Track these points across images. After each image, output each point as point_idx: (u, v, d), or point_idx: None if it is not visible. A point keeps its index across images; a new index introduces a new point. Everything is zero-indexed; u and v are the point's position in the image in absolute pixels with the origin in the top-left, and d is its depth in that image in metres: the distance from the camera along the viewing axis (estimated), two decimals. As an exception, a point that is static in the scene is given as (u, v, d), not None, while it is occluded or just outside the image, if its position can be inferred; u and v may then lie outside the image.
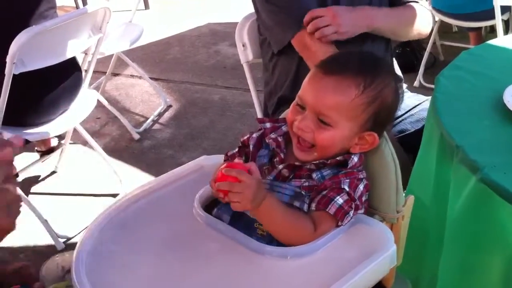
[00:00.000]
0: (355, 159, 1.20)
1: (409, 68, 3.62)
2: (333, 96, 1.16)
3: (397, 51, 3.66)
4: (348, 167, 1.19)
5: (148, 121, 3.47)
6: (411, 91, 2.06)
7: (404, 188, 1.31)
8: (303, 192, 1.18)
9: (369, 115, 1.18)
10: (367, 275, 1.06)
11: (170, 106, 3.67)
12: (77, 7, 4.35)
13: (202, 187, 1.26)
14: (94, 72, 2.71)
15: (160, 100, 3.70)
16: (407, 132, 1.87)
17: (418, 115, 1.89)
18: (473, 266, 1.37)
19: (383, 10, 1.85)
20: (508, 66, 1.75)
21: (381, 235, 1.15)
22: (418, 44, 3.83)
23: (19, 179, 2.78)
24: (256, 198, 1.09)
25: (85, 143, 3.02)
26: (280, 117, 1.33)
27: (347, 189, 1.15)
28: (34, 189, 2.86)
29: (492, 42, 1.97)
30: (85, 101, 2.60)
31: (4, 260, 2.36)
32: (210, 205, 1.25)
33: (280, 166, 1.21)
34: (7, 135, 2.33)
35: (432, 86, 1.70)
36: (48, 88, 2.38)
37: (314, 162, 1.19)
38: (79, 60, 2.63)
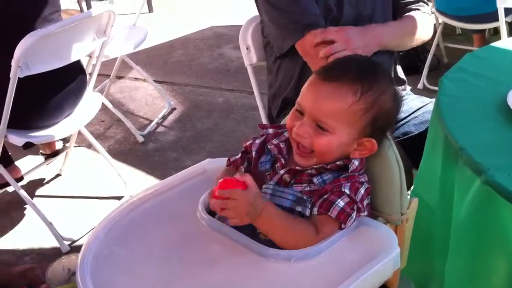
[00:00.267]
0: (356, 163, 1.20)
1: (413, 70, 3.62)
2: (330, 103, 1.17)
3: (400, 53, 3.65)
4: (349, 171, 1.19)
5: (152, 124, 3.48)
6: (415, 93, 2.06)
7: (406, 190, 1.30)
8: (304, 197, 1.19)
9: (367, 121, 1.19)
10: (370, 278, 1.06)
11: (174, 109, 3.67)
12: (81, 10, 4.35)
13: (206, 190, 1.26)
14: (99, 75, 2.72)
15: (164, 103, 3.70)
16: (411, 135, 1.87)
17: (422, 117, 1.89)
18: (478, 268, 1.37)
19: (389, 26, 1.86)
20: (512, 69, 1.75)
21: (384, 238, 1.15)
22: (421, 47, 3.81)
23: (24, 182, 2.79)
24: (251, 211, 1.11)
25: (89, 146, 3.03)
26: (282, 122, 1.33)
27: (347, 192, 1.15)
28: (39, 192, 2.87)
29: (496, 44, 1.97)
30: (89, 104, 2.61)
31: (10, 263, 2.37)
32: (212, 212, 1.26)
33: (282, 172, 1.22)
34: (12, 138, 2.34)
35: (436, 88, 1.70)
36: (53, 91, 2.38)
37: (315, 167, 1.20)
38: (84, 63, 2.65)
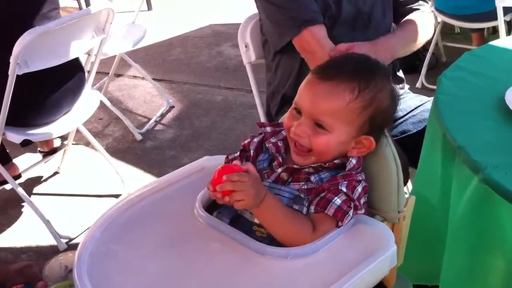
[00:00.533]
0: (353, 161, 1.20)
1: (412, 69, 3.62)
2: (328, 102, 1.17)
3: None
4: (346, 169, 1.19)
5: (151, 122, 3.48)
6: (414, 92, 2.06)
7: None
8: (302, 195, 1.19)
9: (365, 119, 1.19)
10: (367, 275, 1.07)
11: (172, 107, 3.67)
12: (80, 8, 4.35)
13: (204, 187, 1.26)
14: (97, 73, 2.72)
15: (162, 101, 3.70)
16: (409, 133, 1.87)
17: (420, 116, 1.89)
18: (475, 267, 1.37)
19: (398, 37, 1.86)
20: (510, 67, 1.75)
21: (381, 235, 1.15)
22: (420, 45, 3.83)
23: (22, 179, 2.79)
24: (258, 195, 1.11)
25: (87, 143, 3.03)
26: (280, 121, 1.33)
27: (344, 190, 1.16)
28: (36, 189, 2.87)
29: (494, 43, 1.97)
30: (88, 102, 2.61)
31: (7, 260, 2.37)
32: (211, 207, 1.26)
33: (279, 170, 1.23)
34: (10, 135, 2.34)
35: (434, 87, 1.70)
36: (51, 89, 2.38)
37: (313, 165, 1.20)
38: (82, 61, 2.64)
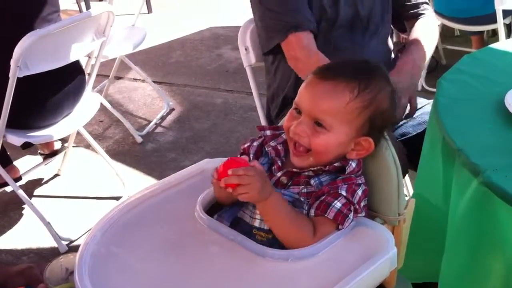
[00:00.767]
0: (353, 165, 1.21)
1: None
2: (328, 101, 1.17)
3: (399, 54, 3.66)
4: (346, 173, 1.20)
5: (151, 124, 3.48)
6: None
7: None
8: (301, 199, 1.19)
9: (365, 120, 1.19)
10: (367, 278, 1.07)
11: (172, 109, 3.67)
12: (80, 10, 4.36)
13: (204, 190, 1.27)
14: (97, 75, 2.72)
15: (162, 103, 3.71)
16: (408, 135, 1.87)
17: (420, 119, 1.89)
18: (475, 269, 1.37)
19: (417, 53, 1.87)
20: (510, 70, 1.76)
21: (381, 238, 1.15)
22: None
23: (22, 182, 2.79)
24: (263, 189, 1.11)
25: (88, 146, 3.03)
26: (280, 124, 1.34)
27: (344, 194, 1.16)
28: (37, 191, 2.87)
29: (494, 46, 1.97)
30: (88, 104, 2.61)
31: (8, 263, 2.37)
32: (212, 209, 1.26)
33: (279, 174, 1.23)
34: (11, 138, 2.34)
35: (434, 89, 1.71)
36: (52, 91, 2.39)
37: (312, 168, 1.20)
38: (83, 64, 2.65)
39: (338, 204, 1.15)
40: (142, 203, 1.28)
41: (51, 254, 2.40)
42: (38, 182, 2.93)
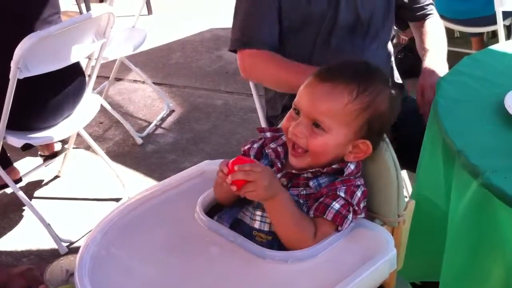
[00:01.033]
0: (352, 167, 1.21)
1: (412, 73, 3.61)
2: (326, 102, 1.18)
3: (399, 56, 3.67)
4: (344, 175, 1.20)
5: (151, 125, 3.48)
6: (414, 96, 2.06)
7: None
8: (301, 201, 1.19)
9: (363, 122, 1.19)
10: (367, 279, 1.07)
11: (173, 111, 3.68)
12: (80, 12, 4.36)
13: (204, 191, 1.27)
14: (98, 77, 2.72)
15: (163, 104, 3.71)
16: (404, 135, 1.87)
17: (418, 119, 1.89)
18: (474, 270, 1.37)
19: (440, 55, 1.93)
20: (510, 71, 1.76)
21: (381, 239, 1.15)
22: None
23: (23, 183, 2.79)
24: (270, 187, 1.11)
25: (88, 147, 3.03)
26: (279, 125, 1.34)
27: (343, 195, 1.16)
28: (37, 193, 2.87)
29: (493, 47, 1.98)
30: (88, 106, 2.61)
31: (8, 264, 2.37)
32: (211, 211, 1.26)
33: (278, 175, 1.23)
34: (11, 139, 2.34)
35: (434, 91, 1.71)
36: (52, 93, 2.39)
37: (311, 170, 1.20)
38: (83, 65, 2.65)
39: (336, 205, 1.15)
40: (142, 204, 1.28)
41: (51, 255, 2.40)
42: (38, 184, 2.93)
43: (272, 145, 1.27)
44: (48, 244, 2.46)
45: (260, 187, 1.10)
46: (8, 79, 2.14)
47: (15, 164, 2.77)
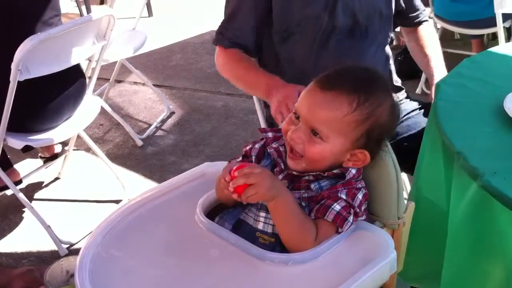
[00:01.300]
0: (353, 171, 1.21)
1: (411, 75, 3.63)
2: (325, 111, 1.17)
3: (399, 58, 3.67)
4: (346, 179, 1.20)
5: (151, 127, 3.48)
6: (413, 98, 2.07)
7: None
8: (303, 203, 1.19)
9: (361, 133, 1.19)
10: (367, 282, 1.07)
11: (173, 112, 3.68)
12: (81, 14, 4.37)
13: (205, 193, 1.27)
14: (98, 79, 2.73)
15: (163, 106, 3.71)
16: (402, 136, 1.87)
17: (411, 121, 1.90)
18: (474, 272, 1.37)
19: (441, 67, 1.97)
20: (510, 73, 1.76)
21: (381, 242, 1.15)
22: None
23: (23, 185, 2.80)
24: (273, 187, 1.11)
25: (88, 149, 3.04)
26: (280, 126, 1.34)
27: (344, 197, 1.16)
28: (37, 195, 2.87)
29: (493, 49, 1.98)
30: (88, 108, 2.62)
31: (8, 266, 2.37)
32: (212, 213, 1.26)
33: (280, 176, 1.23)
34: (11, 141, 2.35)
35: (434, 93, 1.71)
36: (53, 94, 2.39)
37: (313, 173, 1.21)
38: (83, 67, 2.65)
39: (337, 207, 1.15)
40: (142, 206, 1.28)
41: (51, 257, 2.40)
42: (38, 186, 2.94)
43: (274, 145, 1.27)
44: (48, 245, 2.46)
45: (262, 187, 1.10)
46: (9, 81, 2.14)
47: (16, 166, 2.78)
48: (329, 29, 1.79)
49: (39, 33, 2.15)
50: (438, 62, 1.98)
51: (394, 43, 3.39)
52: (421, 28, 2.05)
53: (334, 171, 1.21)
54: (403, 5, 1.97)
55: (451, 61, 1.96)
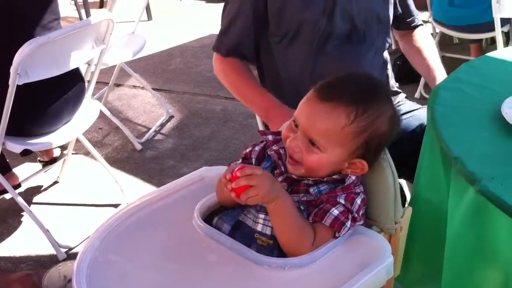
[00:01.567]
0: (353, 177, 1.21)
1: (410, 80, 3.63)
2: (323, 123, 1.17)
3: (398, 62, 3.67)
4: (345, 184, 1.20)
5: (150, 131, 3.49)
6: (411, 102, 2.07)
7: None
8: (301, 207, 1.20)
9: (359, 144, 1.19)
10: (364, 286, 1.07)
11: (172, 116, 3.68)
12: (80, 18, 4.38)
13: (203, 198, 1.27)
14: (97, 82, 2.73)
15: (162, 110, 3.71)
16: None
17: (407, 123, 1.90)
18: (472, 278, 1.37)
19: (441, 71, 1.99)
20: (508, 78, 1.76)
21: (378, 246, 1.16)
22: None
23: (21, 189, 2.79)
24: (273, 190, 1.12)
25: (87, 153, 3.04)
26: (280, 129, 1.34)
27: (342, 202, 1.16)
28: (36, 199, 2.87)
29: (491, 54, 1.98)
30: (87, 112, 2.62)
31: (7, 270, 2.37)
32: (210, 217, 1.27)
33: (280, 179, 1.23)
34: (10, 145, 2.35)
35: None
36: (52, 98, 2.39)
37: (312, 178, 1.21)
38: (82, 71, 2.66)
39: (335, 212, 1.15)
40: (141, 210, 1.29)
41: (50, 261, 2.40)
42: (37, 189, 2.94)
43: (275, 147, 1.28)
44: (47, 250, 2.46)
45: (262, 189, 1.10)
46: (8, 85, 2.14)
47: (14, 170, 2.78)
48: (327, 33, 1.79)
49: (38, 37, 2.15)
50: (438, 64, 2.00)
51: (393, 47, 3.40)
52: (417, 31, 2.07)
53: (334, 176, 1.21)
54: (400, 10, 1.98)
55: (449, 65, 1.97)
